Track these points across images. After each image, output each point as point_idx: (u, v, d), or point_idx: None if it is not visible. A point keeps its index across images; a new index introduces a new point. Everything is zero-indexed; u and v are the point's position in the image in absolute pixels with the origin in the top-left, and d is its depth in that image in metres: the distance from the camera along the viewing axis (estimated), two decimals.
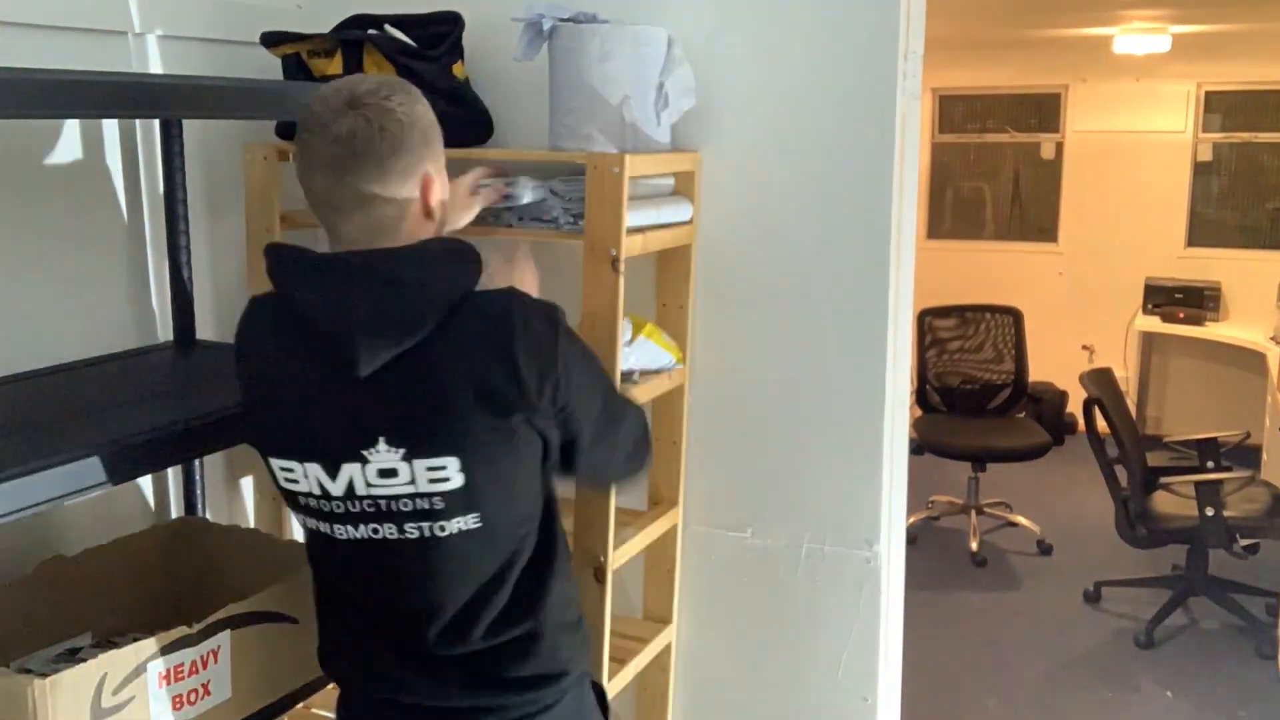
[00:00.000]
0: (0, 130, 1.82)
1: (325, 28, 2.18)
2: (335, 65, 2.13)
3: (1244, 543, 4.15)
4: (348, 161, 1.34)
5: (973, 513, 5.23)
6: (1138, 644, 4.20)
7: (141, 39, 2.05)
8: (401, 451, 1.37)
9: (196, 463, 2.11)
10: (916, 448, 5.06)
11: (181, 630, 1.53)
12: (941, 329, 5.72)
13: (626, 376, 2.07)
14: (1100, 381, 4.44)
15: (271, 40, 2.18)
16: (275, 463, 1.43)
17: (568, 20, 2.02)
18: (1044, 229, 7.07)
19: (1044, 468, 5.46)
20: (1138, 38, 5.48)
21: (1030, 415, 5.84)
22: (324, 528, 1.45)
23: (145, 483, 2.12)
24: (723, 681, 2.40)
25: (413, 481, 1.38)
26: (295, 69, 2.19)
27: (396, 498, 1.39)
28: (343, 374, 1.34)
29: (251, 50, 2.19)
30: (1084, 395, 4.33)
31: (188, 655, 1.54)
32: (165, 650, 1.51)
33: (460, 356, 1.35)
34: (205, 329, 2.15)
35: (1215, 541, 4.17)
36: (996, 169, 7.21)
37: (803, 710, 2.33)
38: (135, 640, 1.49)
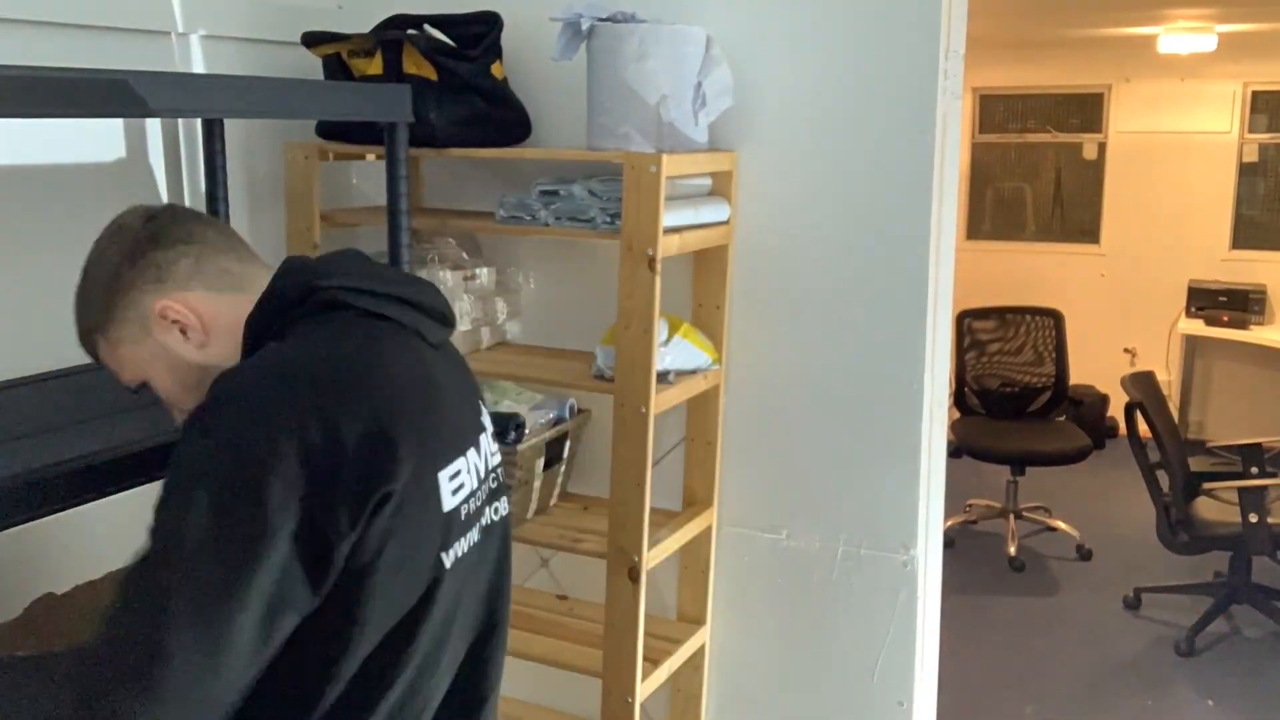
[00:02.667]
0: (44, 130, 1.85)
1: (365, 28, 2.19)
2: (375, 65, 2.15)
3: None
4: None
5: (1011, 517, 5.18)
6: (1178, 652, 4.15)
7: (185, 39, 2.07)
8: (485, 412, 1.34)
9: None
10: (954, 450, 5.01)
11: None
12: (981, 331, 5.67)
13: (662, 377, 2.07)
14: (1142, 385, 4.38)
15: (312, 40, 2.19)
16: (444, 476, 1.18)
17: (606, 20, 2.02)
18: (1086, 230, 6.99)
19: (1084, 472, 5.40)
20: (1183, 37, 5.41)
21: (1070, 419, 5.78)
22: (471, 539, 1.24)
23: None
24: (756, 683, 2.39)
25: (494, 451, 1.34)
26: (336, 69, 2.21)
27: (497, 467, 1.34)
28: (434, 349, 1.27)
29: (293, 50, 2.20)
30: (1125, 399, 4.28)
31: None
32: None
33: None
34: None
35: (1258, 548, 4.11)
36: (1038, 169, 7.14)
37: (837, 714, 2.32)
38: None
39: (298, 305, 1.19)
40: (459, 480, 1.20)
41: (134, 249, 1.23)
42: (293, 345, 1.16)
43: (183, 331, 1.22)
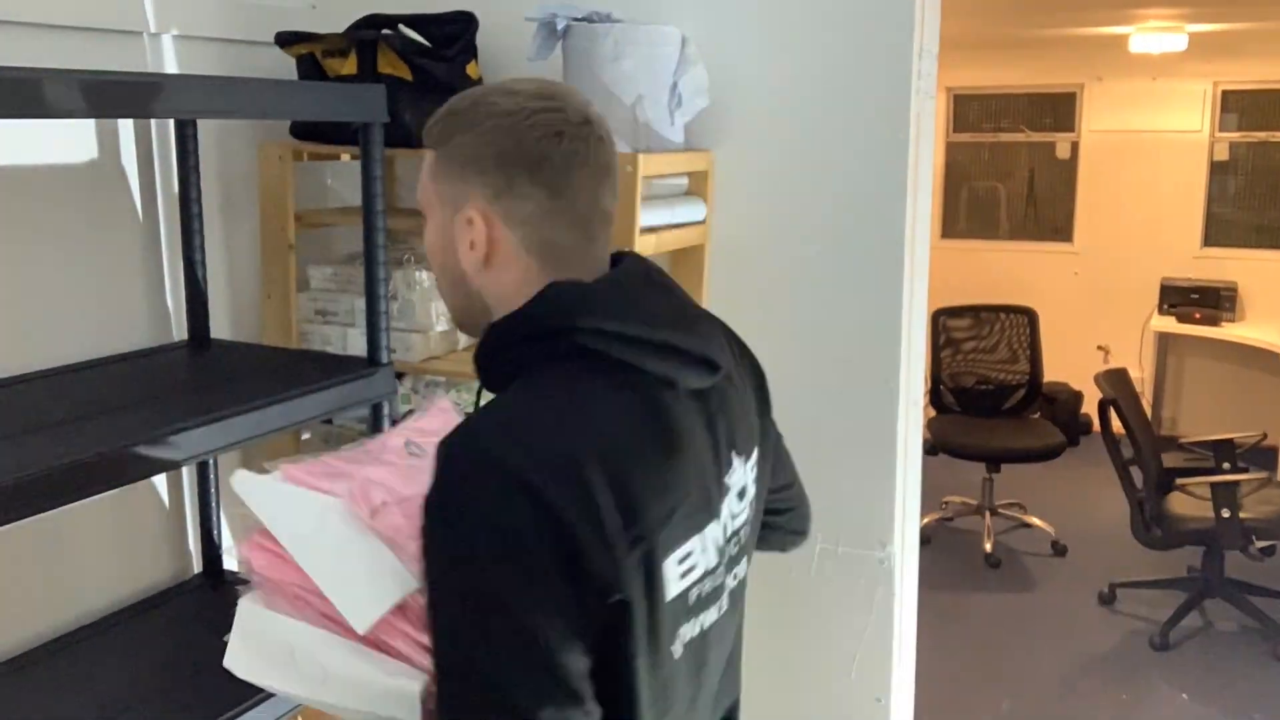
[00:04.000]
0: (15, 131, 1.83)
1: (339, 28, 2.18)
2: (349, 65, 2.14)
3: (1260, 544, 4.13)
4: (606, 177, 1.17)
5: (987, 514, 5.21)
6: (1153, 646, 4.18)
7: (157, 39, 2.05)
8: (744, 457, 1.21)
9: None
10: (930, 448, 5.04)
11: None
12: (956, 329, 5.70)
13: None
14: (1115, 382, 4.42)
15: (286, 40, 2.18)
16: (671, 561, 1.07)
17: (581, 20, 2.02)
18: (1059, 229, 7.05)
19: (1058, 469, 5.44)
20: (1154, 36, 5.45)
21: (1045, 416, 5.82)
22: (701, 624, 1.14)
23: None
24: None
25: (756, 495, 1.23)
26: (310, 69, 2.20)
27: (745, 525, 1.21)
28: (693, 398, 1.14)
29: (266, 50, 2.19)
30: (1099, 396, 4.31)
31: None
32: None
33: (727, 351, 1.25)
34: (220, 328, 2.15)
35: (1231, 543, 4.15)
36: (1011, 168, 7.19)
37: (815, 710, 2.33)
38: None
39: (548, 340, 1.09)
40: (690, 563, 1.10)
41: (512, 150, 1.11)
42: (528, 416, 1.04)
43: (471, 244, 1.13)
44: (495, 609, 0.97)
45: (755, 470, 1.25)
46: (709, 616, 1.15)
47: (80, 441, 1.43)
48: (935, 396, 5.58)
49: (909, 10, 2.03)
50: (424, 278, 2.25)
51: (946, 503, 5.40)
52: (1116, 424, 4.25)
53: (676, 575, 1.07)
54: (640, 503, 1.02)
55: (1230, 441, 4.38)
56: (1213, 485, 4.13)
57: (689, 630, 1.12)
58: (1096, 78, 6.75)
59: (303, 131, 2.25)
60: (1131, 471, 4.30)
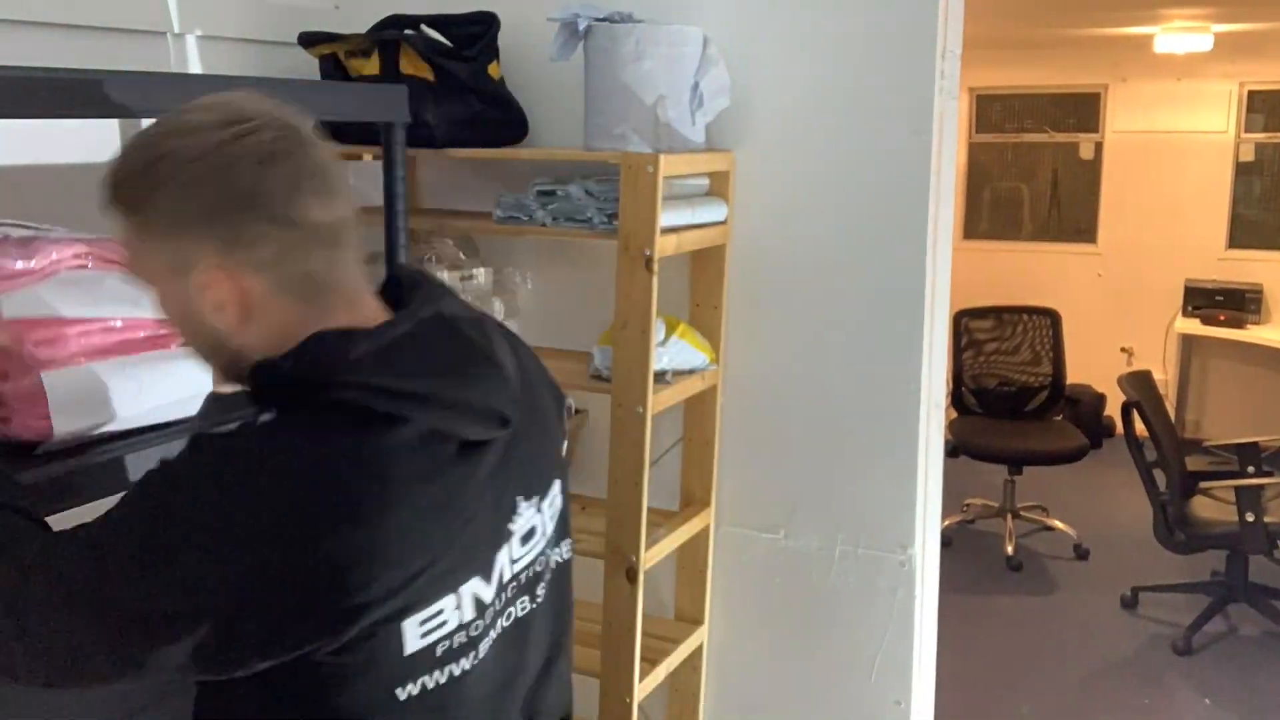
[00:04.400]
0: (37, 131, 1.84)
1: (362, 28, 2.19)
2: (372, 65, 2.14)
3: None
4: (330, 180, 1.07)
5: (1008, 516, 5.18)
6: (1175, 651, 4.15)
7: (181, 39, 2.06)
8: (537, 497, 1.20)
9: None
10: (952, 450, 5.02)
11: None
12: (978, 330, 5.67)
13: (660, 377, 2.07)
14: (1139, 384, 4.38)
15: (309, 40, 2.19)
16: (411, 622, 1.04)
17: (603, 20, 2.02)
18: (1082, 230, 7.00)
19: (1081, 471, 5.41)
20: (1179, 36, 5.41)
21: (1067, 418, 5.78)
22: (450, 671, 1.11)
23: None
24: (754, 683, 2.39)
25: (555, 526, 1.25)
26: (333, 69, 2.21)
27: (534, 563, 1.21)
28: (474, 448, 1.09)
29: (289, 50, 2.20)
30: (1122, 398, 4.28)
31: None
32: None
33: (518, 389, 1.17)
34: None
35: (1255, 547, 4.11)
36: (1034, 169, 7.15)
37: (835, 713, 2.32)
38: None
39: (308, 393, 1.03)
40: (438, 620, 1.06)
41: (222, 195, 1.01)
42: (276, 450, 1.00)
43: (218, 306, 1.04)
44: (167, 558, 0.96)
45: (554, 504, 1.24)
46: (464, 664, 1.11)
47: None
48: (957, 398, 5.55)
49: (932, 10, 2.03)
50: (445, 278, 2.25)
51: (968, 505, 5.38)
52: (1140, 426, 4.22)
53: (416, 635, 1.04)
54: (369, 574, 0.98)
55: (1255, 445, 4.34)
56: (1237, 489, 4.09)
57: (433, 679, 1.08)
58: (1121, 78, 6.70)
59: (325, 131, 2.25)
60: (1155, 474, 4.27)
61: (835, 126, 2.13)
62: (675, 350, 2.11)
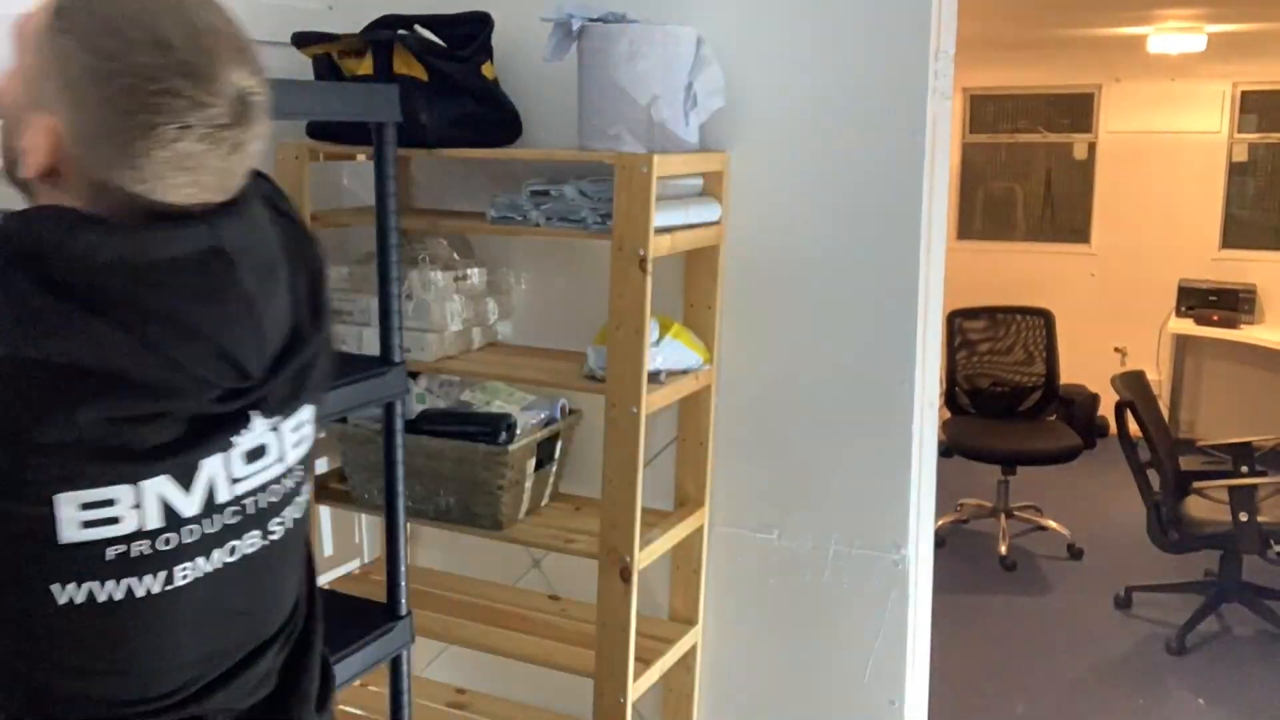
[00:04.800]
0: None
1: (356, 28, 2.19)
2: (365, 65, 2.14)
3: (1278, 548, 4.10)
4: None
5: (1002, 516, 5.18)
6: (1169, 650, 4.16)
7: None
8: (275, 418, 1.11)
9: None
10: (945, 450, 5.02)
11: None
12: (971, 330, 5.68)
13: (653, 377, 2.07)
14: (1132, 384, 4.39)
15: (302, 40, 2.19)
16: (68, 499, 0.96)
17: (596, 20, 2.02)
18: (1076, 230, 7.01)
19: (1075, 471, 5.41)
20: (1173, 37, 5.42)
21: (1061, 418, 5.79)
22: (130, 588, 1.01)
23: None
24: (748, 683, 2.39)
25: (280, 457, 1.13)
26: (326, 69, 2.21)
27: (266, 489, 1.12)
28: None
29: (283, 50, 2.20)
30: (1116, 398, 4.28)
31: None
32: None
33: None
34: None
35: (1249, 547, 4.12)
36: (1028, 169, 7.15)
37: (829, 713, 2.32)
38: None
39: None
40: (109, 511, 0.98)
41: (108, 109, 0.97)
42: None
43: (33, 151, 0.99)
44: None
45: (301, 430, 1.15)
46: (150, 585, 1.01)
47: None
48: (950, 398, 5.55)
49: (925, 11, 2.03)
50: (439, 278, 2.25)
51: (961, 505, 5.38)
52: (1133, 426, 4.22)
53: (75, 520, 0.96)
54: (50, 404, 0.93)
55: (1248, 444, 4.35)
56: (1230, 489, 4.09)
57: (104, 590, 0.99)
58: (1114, 78, 6.71)
59: (318, 132, 2.25)
60: (1148, 474, 4.27)
61: (829, 126, 2.13)
62: (669, 350, 2.11)
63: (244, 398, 1.06)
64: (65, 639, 1.01)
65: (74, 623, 1.00)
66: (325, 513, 2.53)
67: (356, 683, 2.03)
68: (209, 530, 1.06)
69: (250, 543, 1.11)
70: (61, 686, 1.04)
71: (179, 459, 1.02)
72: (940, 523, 5.02)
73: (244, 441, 1.07)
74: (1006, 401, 5.64)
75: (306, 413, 1.17)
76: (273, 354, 1.09)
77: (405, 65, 2.11)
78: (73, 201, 1.00)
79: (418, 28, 2.18)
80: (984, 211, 7.27)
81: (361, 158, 2.40)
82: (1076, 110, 6.93)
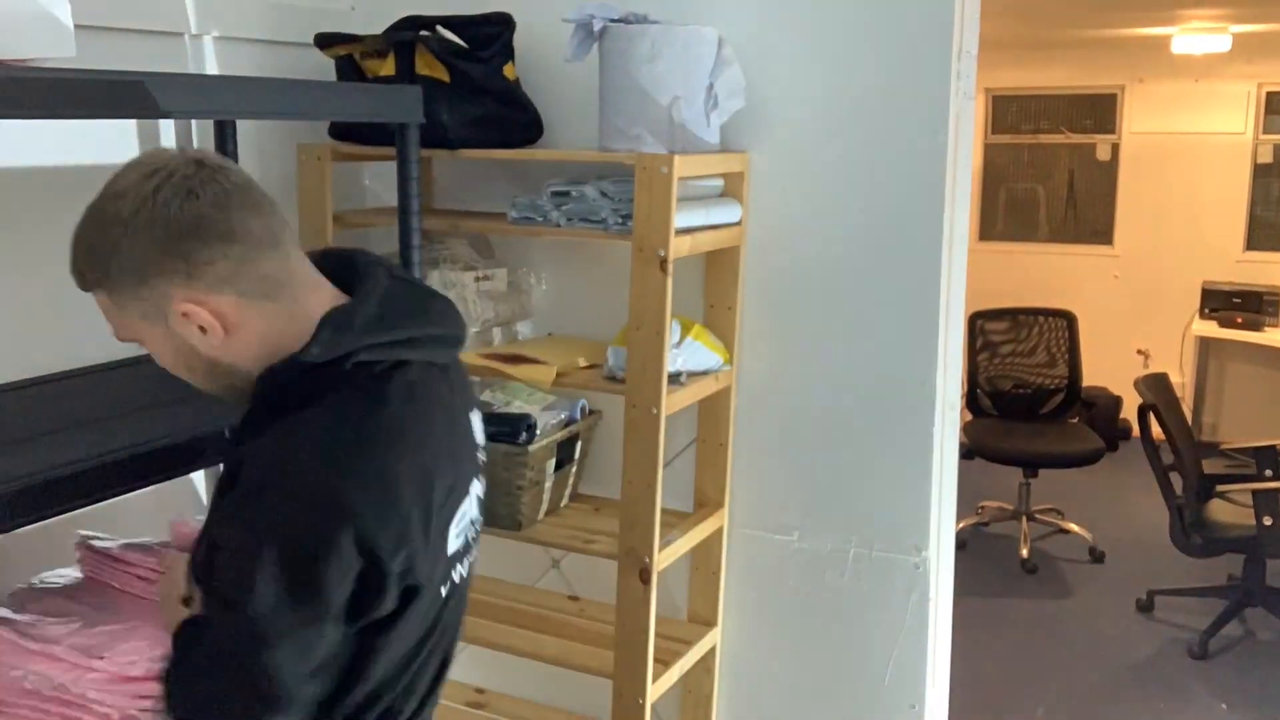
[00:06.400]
0: (58, 131, 1.85)
1: (378, 29, 2.20)
2: (388, 66, 2.15)
3: None
4: (252, 194, 1.19)
5: (1023, 519, 5.16)
6: (1191, 655, 4.13)
7: (198, 40, 2.07)
8: (477, 412, 1.39)
9: None
10: (967, 452, 5.00)
11: None
12: (993, 332, 5.65)
13: (674, 378, 2.06)
14: (1156, 387, 4.36)
15: (325, 42, 2.20)
16: (453, 526, 1.27)
17: (618, 21, 2.02)
18: (1099, 231, 6.97)
19: (1097, 474, 5.38)
20: (1197, 37, 5.38)
21: (1083, 420, 5.76)
22: (437, 604, 1.28)
23: None
24: (768, 685, 2.39)
25: (470, 513, 1.35)
26: (349, 70, 2.21)
27: (467, 530, 1.33)
28: (443, 372, 1.30)
29: (306, 51, 2.21)
30: (1139, 401, 4.26)
31: None
32: None
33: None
34: None
35: (1273, 551, 4.09)
36: (1051, 170, 7.12)
37: (848, 716, 2.31)
38: None
39: (329, 368, 1.16)
40: (463, 523, 1.28)
41: (168, 234, 1.12)
42: (332, 424, 1.14)
43: (201, 329, 1.16)
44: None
45: (475, 497, 1.36)
46: (466, 566, 1.32)
47: (115, 439, 1.45)
48: (972, 400, 5.53)
49: (948, 11, 2.02)
50: (460, 278, 2.26)
51: (983, 507, 5.36)
52: (1156, 429, 4.20)
53: (454, 534, 1.26)
54: (435, 490, 1.20)
55: (1273, 448, 4.31)
56: (1254, 492, 4.06)
57: (455, 573, 1.29)
58: (1138, 79, 6.67)
59: (341, 132, 2.26)
60: (1171, 478, 4.24)
61: (850, 127, 2.12)
62: (689, 351, 2.11)
63: None
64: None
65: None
66: None
67: None
68: (469, 539, 1.35)
69: (459, 573, 1.33)
70: None
71: (472, 467, 1.36)
72: (961, 525, 5.00)
73: (479, 439, 1.41)
74: (1028, 403, 5.61)
75: (477, 485, 1.39)
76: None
77: (427, 66, 2.12)
78: (255, 325, 1.18)
79: (440, 29, 2.19)
80: (1006, 212, 7.24)
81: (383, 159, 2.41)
82: (1100, 111, 6.89)
